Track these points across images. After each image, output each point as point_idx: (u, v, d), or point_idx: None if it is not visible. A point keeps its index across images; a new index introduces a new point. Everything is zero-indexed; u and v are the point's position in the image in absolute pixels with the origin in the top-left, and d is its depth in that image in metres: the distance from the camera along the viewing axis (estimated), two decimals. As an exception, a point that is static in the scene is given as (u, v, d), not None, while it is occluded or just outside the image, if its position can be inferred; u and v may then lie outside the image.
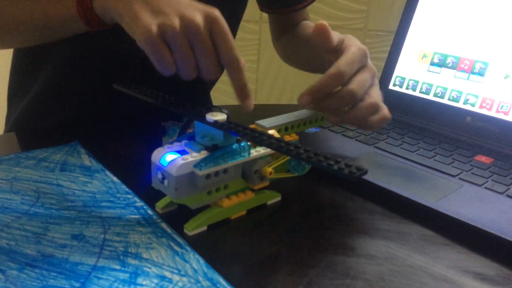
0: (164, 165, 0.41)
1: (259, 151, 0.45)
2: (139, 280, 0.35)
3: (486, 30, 0.67)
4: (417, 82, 0.73)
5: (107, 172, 0.51)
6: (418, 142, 0.63)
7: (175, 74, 0.45)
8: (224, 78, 0.51)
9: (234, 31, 0.76)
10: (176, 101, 0.47)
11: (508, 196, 0.50)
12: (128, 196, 0.47)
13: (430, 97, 0.71)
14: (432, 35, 0.72)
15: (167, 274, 0.36)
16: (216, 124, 0.42)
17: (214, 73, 0.45)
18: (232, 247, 0.41)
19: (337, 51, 0.51)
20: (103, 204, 0.45)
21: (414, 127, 0.68)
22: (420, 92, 0.72)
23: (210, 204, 0.44)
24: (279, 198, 0.49)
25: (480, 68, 0.67)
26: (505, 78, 0.65)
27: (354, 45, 0.50)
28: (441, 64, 0.71)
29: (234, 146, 0.43)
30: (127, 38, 0.53)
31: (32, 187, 0.47)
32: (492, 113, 0.65)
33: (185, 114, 0.46)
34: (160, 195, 0.44)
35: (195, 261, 0.38)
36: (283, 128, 0.52)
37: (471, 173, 0.54)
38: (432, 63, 0.72)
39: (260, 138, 0.41)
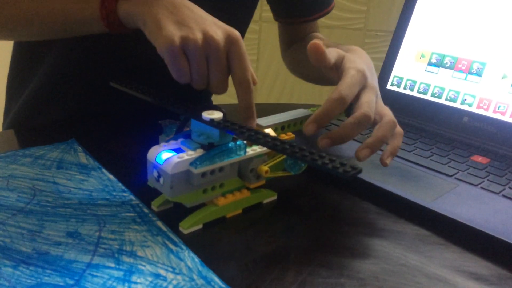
0: (160, 163, 0.41)
1: (255, 149, 0.45)
2: (134, 278, 0.35)
3: (484, 31, 0.67)
4: (414, 82, 0.73)
5: (104, 170, 0.51)
6: (415, 142, 0.63)
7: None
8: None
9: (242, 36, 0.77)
10: (173, 99, 0.47)
11: (503, 196, 0.50)
12: (124, 194, 0.47)
13: (428, 97, 0.71)
14: (430, 35, 0.72)
15: (162, 272, 0.36)
16: (212, 122, 0.42)
17: (222, 89, 0.47)
18: (228, 246, 0.41)
19: (338, 67, 0.51)
20: (99, 202, 0.45)
21: (411, 127, 0.68)
22: (418, 92, 0.72)
23: (205, 203, 0.44)
24: (275, 197, 0.49)
25: (478, 68, 0.67)
26: (502, 78, 0.65)
27: (352, 67, 0.50)
28: (439, 64, 0.71)
29: (230, 145, 0.43)
30: (126, 37, 0.53)
31: (29, 185, 0.47)
32: (489, 113, 0.65)
33: (181, 113, 0.46)
34: (156, 193, 0.44)
35: (190, 259, 0.38)
36: (280, 127, 0.52)
37: (467, 173, 0.55)
38: (430, 63, 0.72)
39: (255, 137, 0.41)
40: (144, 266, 0.37)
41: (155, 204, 0.45)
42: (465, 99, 0.67)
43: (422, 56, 0.72)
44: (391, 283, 0.38)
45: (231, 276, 0.37)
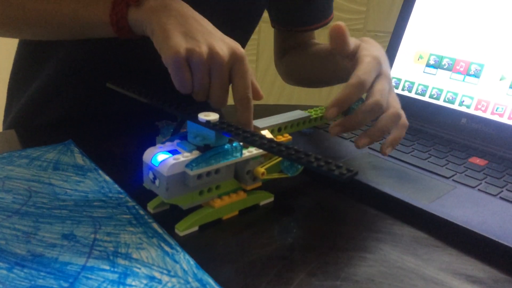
0: (156, 164, 0.41)
1: (251, 151, 0.45)
2: (128, 280, 0.35)
3: (482, 32, 0.67)
4: (412, 83, 0.73)
5: (100, 172, 0.51)
6: (413, 144, 0.63)
7: None
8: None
9: (243, 45, 0.76)
10: (169, 100, 0.47)
11: (501, 198, 0.50)
12: (120, 195, 0.47)
13: (426, 98, 0.71)
14: (428, 37, 0.72)
15: (157, 274, 0.36)
16: (208, 124, 0.42)
17: (221, 103, 0.47)
18: (224, 248, 0.41)
19: (353, 56, 0.52)
20: (95, 203, 0.45)
21: (409, 129, 0.68)
22: (416, 93, 0.72)
23: (202, 204, 0.44)
24: (271, 199, 0.49)
25: (476, 69, 0.67)
26: (500, 80, 0.65)
27: (368, 55, 0.51)
28: (437, 65, 0.71)
29: (226, 146, 0.43)
30: (131, 41, 0.53)
31: (24, 186, 0.47)
32: (487, 115, 0.65)
33: (177, 114, 0.46)
34: (152, 195, 0.44)
35: (185, 262, 0.38)
36: (276, 129, 0.52)
37: (465, 175, 0.54)
38: (428, 65, 0.72)
39: (251, 139, 0.41)
40: (139, 268, 0.37)
41: (151, 206, 0.45)
42: (463, 101, 0.67)
43: (420, 57, 0.72)
44: (387, 285, 0.37)
45: (226, 278, 0.37)
